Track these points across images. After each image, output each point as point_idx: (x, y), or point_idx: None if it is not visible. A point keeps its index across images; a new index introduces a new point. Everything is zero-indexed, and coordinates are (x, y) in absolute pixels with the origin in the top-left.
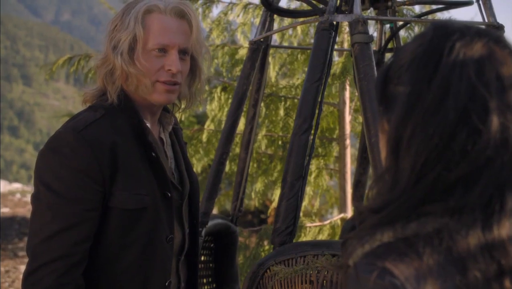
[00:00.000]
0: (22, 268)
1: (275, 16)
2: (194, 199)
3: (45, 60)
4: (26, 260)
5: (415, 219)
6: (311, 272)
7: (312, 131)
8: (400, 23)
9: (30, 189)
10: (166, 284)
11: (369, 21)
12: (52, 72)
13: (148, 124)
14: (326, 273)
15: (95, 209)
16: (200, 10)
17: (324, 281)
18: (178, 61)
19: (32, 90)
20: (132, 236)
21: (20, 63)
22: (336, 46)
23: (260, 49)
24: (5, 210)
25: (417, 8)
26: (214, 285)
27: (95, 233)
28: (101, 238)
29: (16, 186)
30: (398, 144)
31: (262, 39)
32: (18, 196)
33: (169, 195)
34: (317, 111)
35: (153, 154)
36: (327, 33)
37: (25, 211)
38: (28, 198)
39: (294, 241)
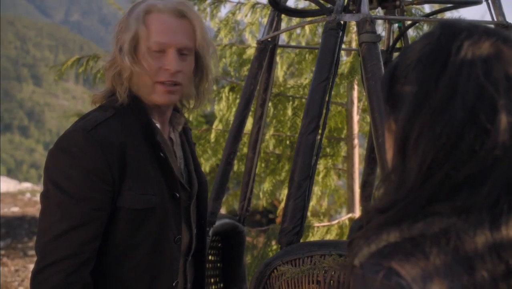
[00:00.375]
0: (32, 267)
1: (283, 15)
2: (202, 200)
3: (55, 60)
4: (35, 259)
5: (422, 219)
6: (318, 272)
7: (320, 131)
8: (409, 22)
9: (40, 188)
10: (174, 284)
11: (377, 21)
12: (61, 73)
13: (158, 125)
14: (333, 273)
15: (103, 209)
16: (208, 10)
17: (331, 281)
18: (176, 60)
19: (42, 91)
20: (140, 236)
21: (30, 64)
22: (344, 46)
23: (267, 49)
24: (15, 209)
25: (427, 8)
26: (221, 285)
27: (104, 232)
28: (109, 237)
29: (26, 185)
30: (405, 144)
31: (269, 39)
32: (28, 195)
33: (178, 195)
34: (324, 111)
35: (162, 154)
36: (335, 32)
37: (35, 210)
38: (38, 198)
39: (301, 241)
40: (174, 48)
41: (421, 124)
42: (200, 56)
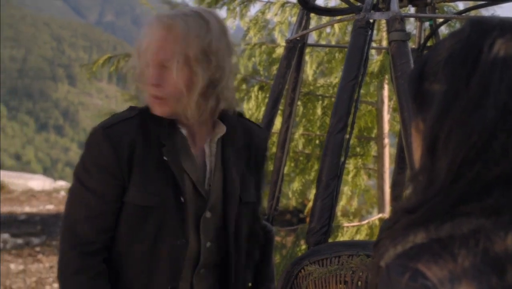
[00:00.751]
0: None
1: (312, 14)
2: (228, 214)
3: (89, 60)
4: None
5: (450, 219)
6: (345, 273)
7: (348, 130)
8: (440, 20)
9: None
10: (169, 288)
11: (409, 18)
12: (93, 72)
13: (183, 131)
14: (360, 273)
15: (114, 202)
16: (237, 9)
17: (359, 282)
18: (154, 75)
19: (76, 90)
20: (140, 233)
21: (66, 64)
22: (374, 44)
23: (296, 48)
24: (50, 207)
25: (461, 5)
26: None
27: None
28: (117, 231)
29: (61, 183)
30: (434, 143)
31: (298, 38)
32: (62, 193)
33: (182, 199)
34: (353, 110)
35: (164, 158)
36: (363, 31)
37: None
38: None
39: (331, 240)
40: (153, 62)
41: (451, 123)
42: (191, 67)
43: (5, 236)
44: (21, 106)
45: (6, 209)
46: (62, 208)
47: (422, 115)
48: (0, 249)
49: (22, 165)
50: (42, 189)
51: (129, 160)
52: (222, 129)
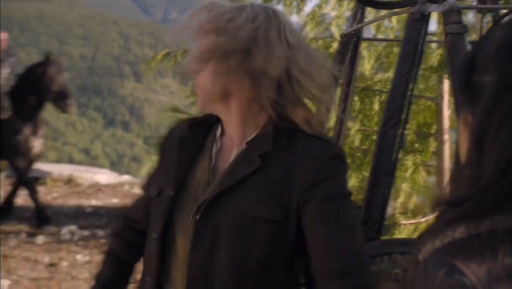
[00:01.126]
0: None
1: (370, 9)
2: (217, 223)
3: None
4: None
5: (493, 215)
6: (397, 271)
7: (402, 125)
8: (503, 11)
9: (138, 181)
10: (145, 278)
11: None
12: (151, 67)
13: (218, 131)
14: None
15: (150, 186)
16: (294, 4)
17: None
18: (190, 61)
19: (142, 87)
20: (150, 222)
21: (132, 61)
22: (434, 38)
23: (350, 42)
24: (115, 201)
25: None
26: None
27: None
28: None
29: (126, 178)
30: (482, 137)
31: (352, 32)
32: (126, 187)
33: (171, 193)
34: (406, 105)
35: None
36: (418, 24)
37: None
38: (136, 190)
39: (388, 237)
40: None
41: (501, 116)
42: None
43: (73, 227)
44: (90, 103)
45: (74, 201)
46: (126, 201)
47: (470, 108)
48: (68, 240)
49: (91, 160)
50: (108, 182)
51: (165, 154)
52: (262, 143)
